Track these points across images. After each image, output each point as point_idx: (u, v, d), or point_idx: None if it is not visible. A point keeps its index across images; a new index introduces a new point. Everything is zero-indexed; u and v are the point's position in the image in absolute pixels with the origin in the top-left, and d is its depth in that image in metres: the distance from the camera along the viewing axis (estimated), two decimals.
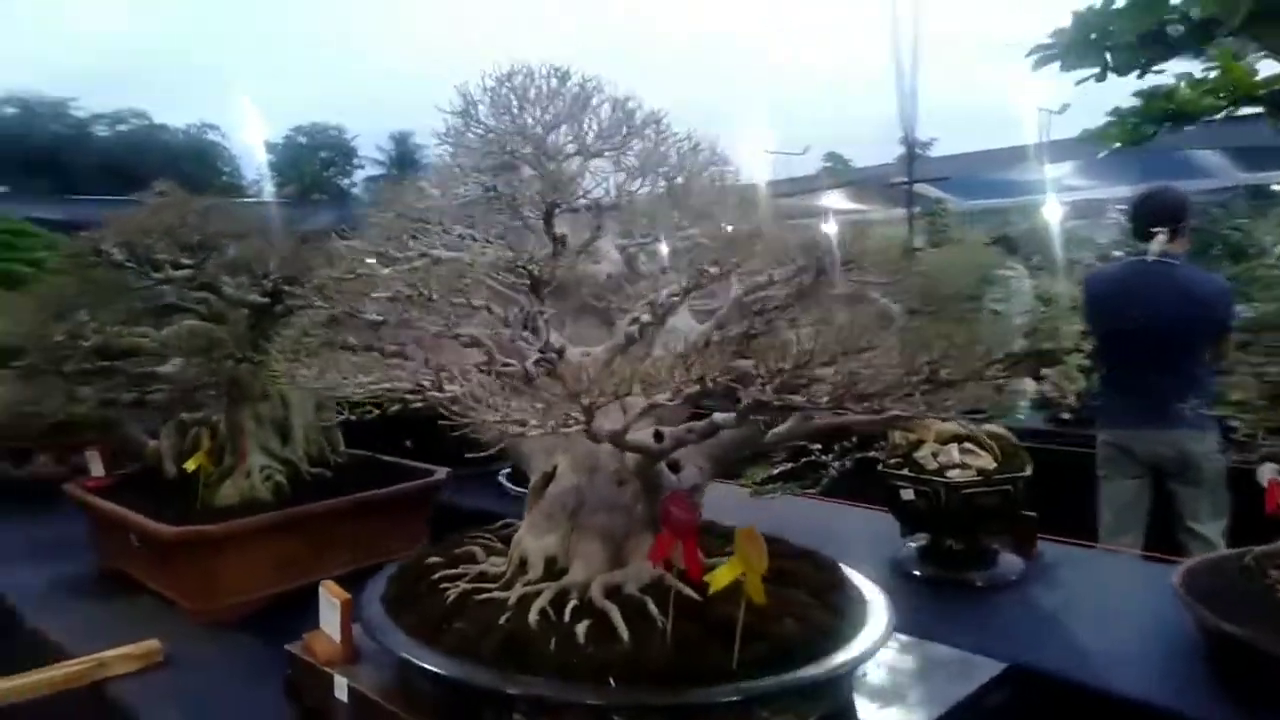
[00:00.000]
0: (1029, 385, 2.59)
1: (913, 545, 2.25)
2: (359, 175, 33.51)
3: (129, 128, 30.81)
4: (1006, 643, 1.76)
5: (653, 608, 1.24)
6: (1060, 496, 4.01)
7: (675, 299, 1.14)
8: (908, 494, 2.12)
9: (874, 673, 1.39)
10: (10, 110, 28.47)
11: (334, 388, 1.22)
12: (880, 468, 2.21)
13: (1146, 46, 1.36)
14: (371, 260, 1.27)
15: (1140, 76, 1.35)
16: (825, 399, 1.01)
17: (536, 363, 1.16)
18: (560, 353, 1.20)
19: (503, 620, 1.26)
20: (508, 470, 3.25)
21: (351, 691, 1.42)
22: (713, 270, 1.09)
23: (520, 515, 2.67)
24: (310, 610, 1.64)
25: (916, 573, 2.17)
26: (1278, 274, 5.07)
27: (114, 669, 1.83)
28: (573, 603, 1.28)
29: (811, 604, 1.31)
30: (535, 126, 1.31)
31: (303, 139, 32.79)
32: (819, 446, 2.44)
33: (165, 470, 2.48)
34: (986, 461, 2.10)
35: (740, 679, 1.14)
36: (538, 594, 1.30)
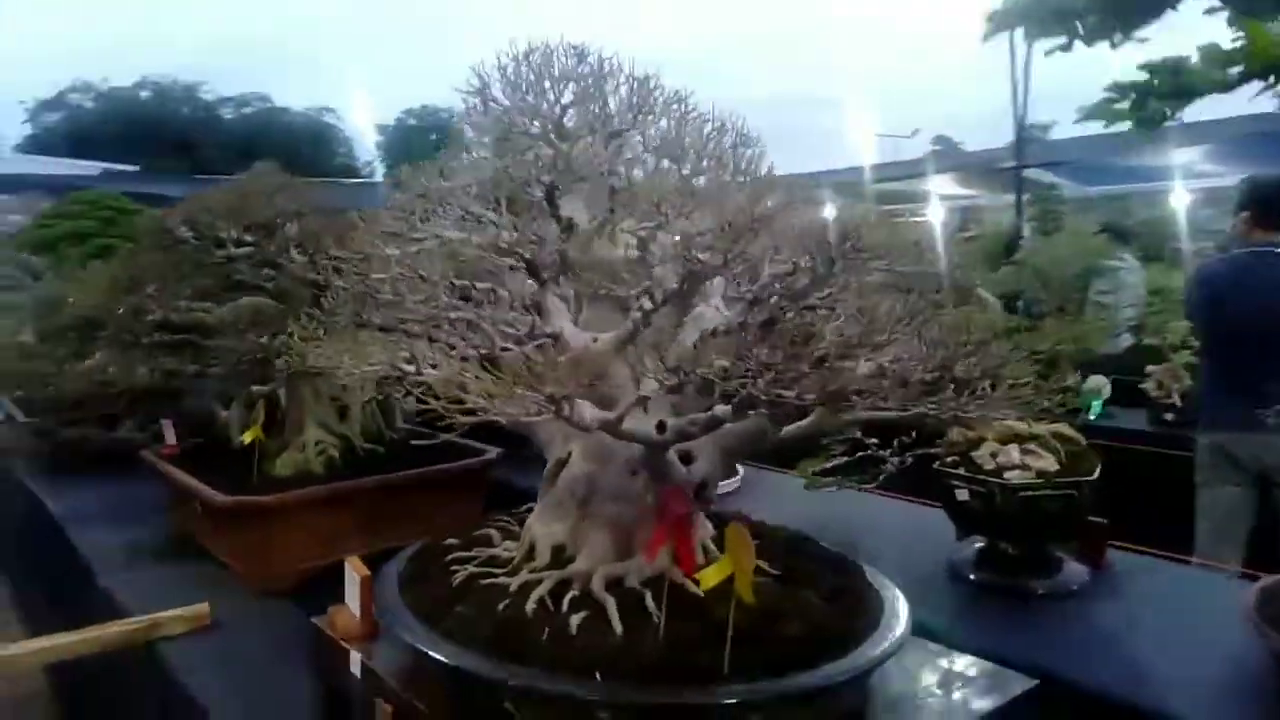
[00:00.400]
0: (1100, 383, 2.43)
1: (970, 548, 2.15)
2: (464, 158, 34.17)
3: (252, 110, 32.27)
4: (1054, 655, 1.66)
5: (650, 602, 1.21)
6: (1161, 503, 3.80)
7: (674, 288, 1.09)
8: (963, 494, 2.02)
9: (894, 680, 1.33)
10: (145, 94, 30.15)
11: (342, 368, 1.23)
12: (936, 466, 2.11)
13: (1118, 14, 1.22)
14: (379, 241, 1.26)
15: (1114, 47, 1.21)
16: (811, 396, 0.96)
17: (526, 343, 1.14)
18: (556, 338, 1.17)
19: (501, 606, 1.24)
20: None
21: (365, 668, 1.44)
22: (702, 258, 1.04)
23: None
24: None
25: (972, 577, 2.07)
26: None
27: (165, 629, 1.91)
28: (572, 593, 1.25)
29: (823, 607, 1.25)
30: (553, 106, 1.28)
31: (413, 121, 33.68)
32: (875, 440, 2.36)
33: (233, 441, 2.57)
34: (1049, 463, 1.97)
35: (731, 682, 1.09)
36: (539, 581, 1.28)
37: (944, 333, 1.09)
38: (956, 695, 1.30)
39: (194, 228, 2.11)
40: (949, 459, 2.09)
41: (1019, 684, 1.32)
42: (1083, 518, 1.99)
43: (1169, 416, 4.44)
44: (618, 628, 1.17)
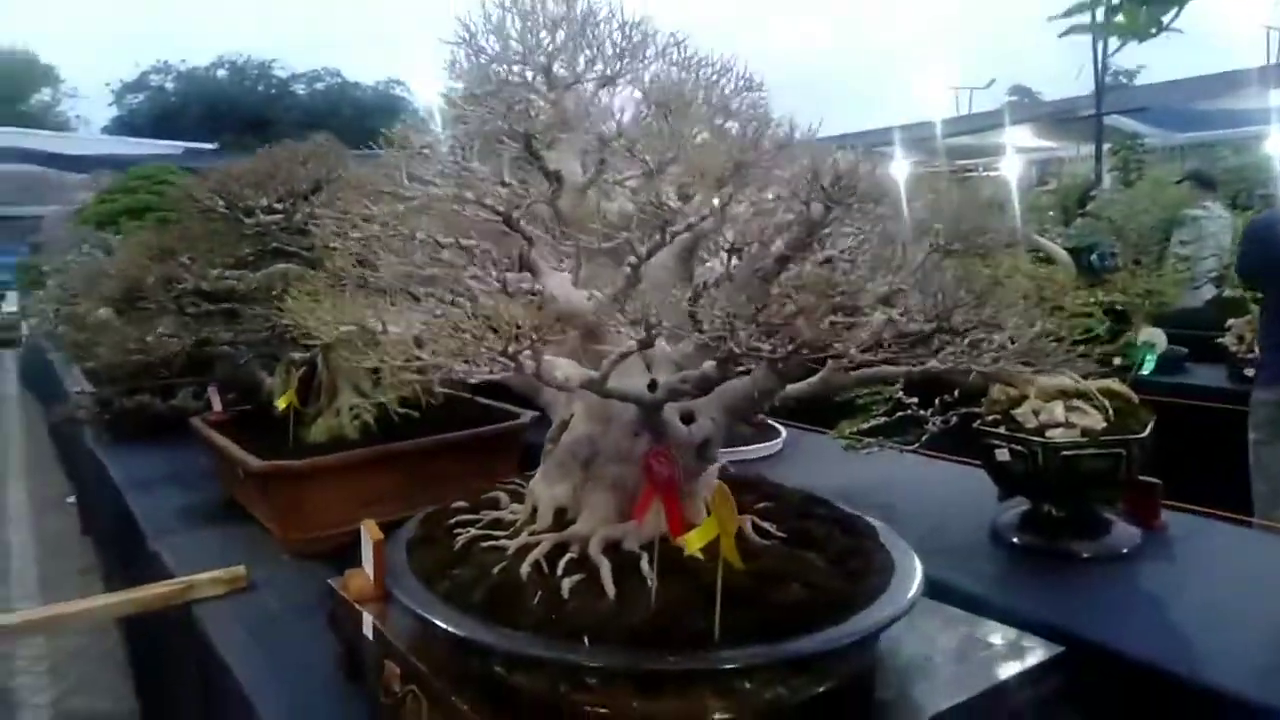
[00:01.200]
0: (1155, 336, 2.28)
1: (1013, 511, 2.06)
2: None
3: (324, 86, 32.81)
4: (1093, 622, 1.58)
5: (644, 565, 1.17)
6: (1233, 462, 3.61)
7: (657, 240, 1.04)
8: (1003, 454, 1.93)
9: (908, 645, 1.27)
10: (221, 73, 30.89)
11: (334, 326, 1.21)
12: (976, 425, 2.02)
13: None
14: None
15: None
16: (792, 348, 0.90)
17: (500, 300, 1.10)
18: (537, 294, 1.13)
19: (497, 569, 1.22)
20: None
21: (375, 630, 1.44)
22: (673, 205, 0.99)
23: None
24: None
25: (1015, 540, 1.98)
26: None
27: (201, 591, 1.95)
28: (569, 555, 1.23)
29: (828, 570, 1.20)
30: (539, 52, 1.23)
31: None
32: (916, 400, 2.27)
33: (275, 408, 2.61)
34: (1095, 420, 1.87)
35: (721, 648, 1.05)
36: (537, 544, 1.25)
37: (948, 282, 1.02)
38: (975, 662, 1.24)
39: (223, 197, 2.13)
40: (989, 418, 2.00)
41: (1042, 651, 1.25)
42: (1132, 477, 1.88)
43: (1249, 372, 4.20)
44: (610, 591, 1.14)
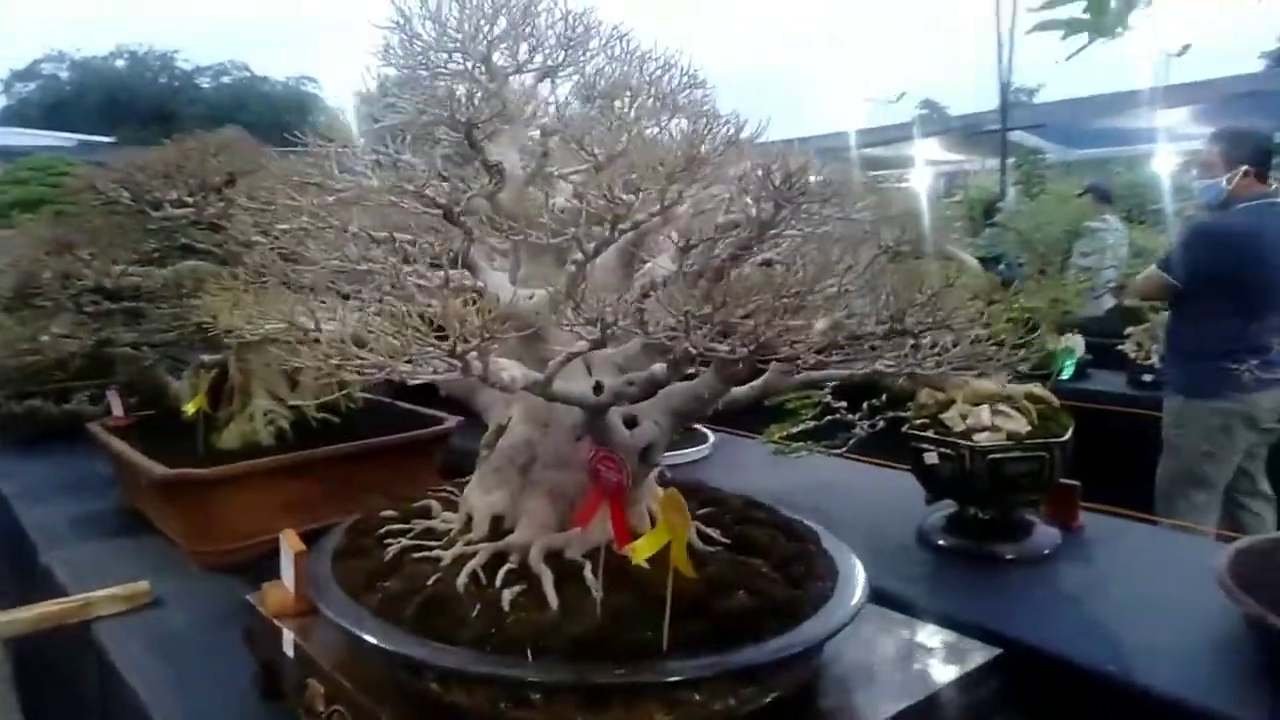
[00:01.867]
0: (1074, 343, 2.36)
1: (940, 514, 2.08)
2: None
3: (231, 79, 31.69)
4: (1022, 623, 1.60)
5: (588, 574, 1.13)
6: (1135, 464, 3.75)
7: (605, 237, 1.01)
8: (931, 457, 1.95)
9: (850, 651, 1.26)
10: (120, 63, 29.57)
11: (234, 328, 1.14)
12: (905, 429, 2.04)
13: None
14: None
15: None
16: (750, 349, 0.87)
17: (439, 298, 1.05)
18: (479, 292, 1.08)
19: (430, 581, 1.17)
20: None
21: (297, 648, 1.36)
22: (624, 198, 0.95)
23: None
24: None
25: (941, 543, 2.00)
26: None
27: (100, 609, 1.83)
28: (508, 565, 1.18)
29: (772, 577, 1.18)
30: (478, 40, 1.18)
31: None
32: (845, 404, 2.29)
33: (183, 413, 2.48)
34: (1019, 425, 1.91)
35: (669, 659, 1.02)
36: (474, 554, 1.20)
37: (897, 283, 1.01)
38: (916, 666, 1.23)
39: (129, 188, 2.00)
40: (918, 422, 2.02)
41: (981, 654, 1.25)
42: (1055, 480, 1.92)
43: (1147, 378, 4.39)
44: (553, 602, 1.10)
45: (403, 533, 1.34)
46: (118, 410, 2.53)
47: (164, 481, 2.01)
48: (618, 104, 1.17)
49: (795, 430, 2.29)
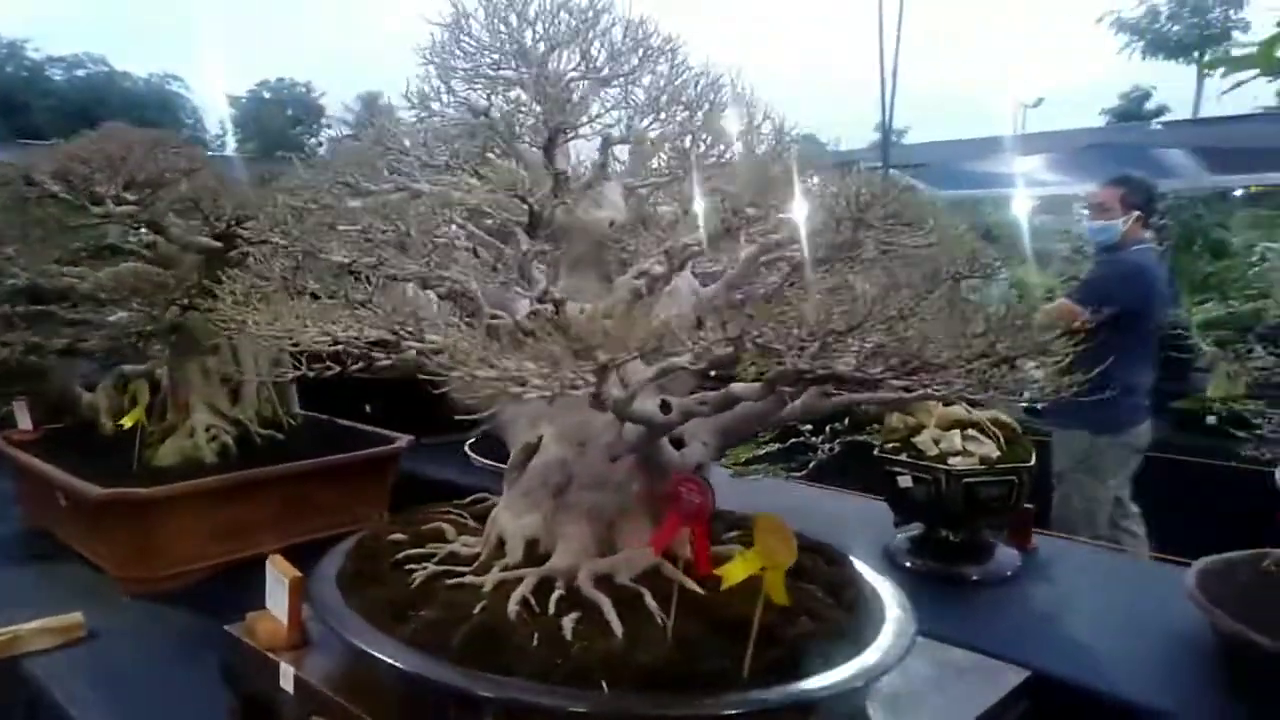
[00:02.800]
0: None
1: (904, 536, 2.13)
2: (326, 135, 32.78)
3: (87, 73, 29.76)
4: (1006, 644, 1.64)
5: (650, 601, 1.09)
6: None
7: (696, 248, 0.98)
8: (905, 481, 1.99)
9: (886, 678, 1.25)
10: None
11: (291, 336, 1.05)
12: (876, 452, 2.08)
13: None
14: (336, 192, 1.09)
15: None
16: (879, 370, 0.86)
17: (532, 314, 1.00)
18: (559, 305, 1.03)
19: (477, 609, 1.09)
20: (473, 440, 3.08)
21: (298, 682, 1.25)
22: (751, 213, 0.93)
23: (489, 488, 2.50)
24: (257, 586, 1.48)
25: (908, 565, 2.04)
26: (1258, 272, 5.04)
27: (31, 644, 1.64)
28: (558, 592, 1.12)
29: (828, 601, 1.17)
30: (537, 44, 1.13)
31: (267, 94, 31.94)
32: (809, 428, 2.31)
33: (101, 425, 2.28)
34: (990, 449, 1.97)
35: (750, 686, 0.99)
36: (518, 580, 1.14)
37: (968, 313, 1.02)
38: (956, 689, 1.24)
39: (66, 181, 1.83)
40: (889, 445, 2.06)
41: (1014, 675, 1.27)
42: (1021, 503, 1.99)
43: (1040, 406, 4.63)
44: (617, 629, 1.05)
45: (421, 558, 1.26)
46: (25, 423, 2.30)
47: (99, 502, 1.83)
48: (681, 116, 1.14)
49: (761, 453, 2.29)
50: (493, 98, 1.09)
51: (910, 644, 1.10)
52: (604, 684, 0.98)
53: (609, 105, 1.15)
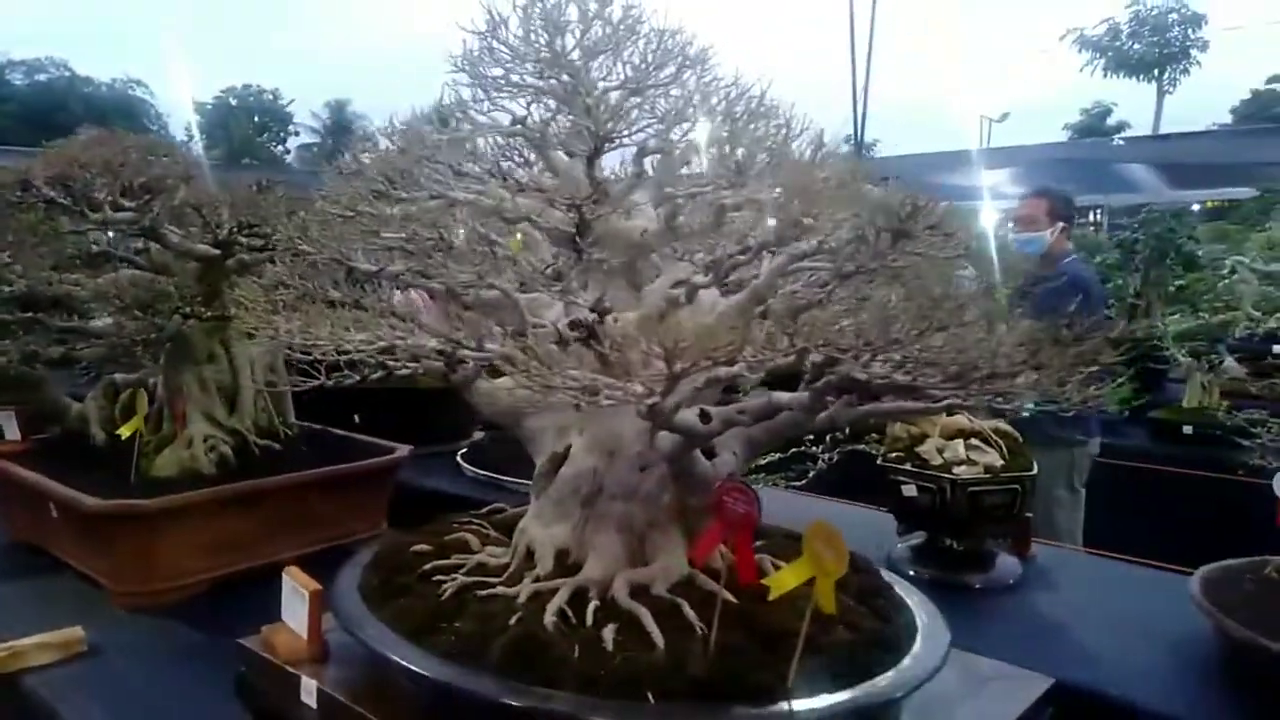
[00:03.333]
0: None
1: (905, 545, 2.14)
2: (293, 142, 32.52)
3: (48, 78, 29.30)
4: (1020, 652, 1.65)
5: (689, 611, 1.08)
6: None
7: (743, 259, 0.98)
8: (909, 490, 2.00)
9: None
10: None
11: (324, 346, 1.03)
12: (880, 461, 2.09)
13: None
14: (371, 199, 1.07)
15: None
16: (938, 379, 0.87)
17: (572, 324, 0.99)
18: (604, 314, 1.03)
19: (513, 620, 1.08)
20: (465, 449, 3.06)
21: (321, 695, 1.23)
22: (807, 223, 0.93)
23: (484, 499, 2.48)
24: (258, 597, 1.46)
25: (911, 573, 2.05)
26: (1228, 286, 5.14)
27: (31, 659, 1.60)
28: (594, 603, 1.11)
29: (860, 610, 1.17)
30: (572, 52, 1.13)
31: (233, 100, 31.61)
32: (810, 437, 2.32)
33: (92, 435, 2.23)
34: (993, 458, 1.99)
35: (795, 695, 0.99)
36: (552, 591, 1.13)
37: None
38: (985, 696, 1.25)
39: (65, 186, 1.79)
40: (893, 455, 2.07)
41: (1040, 683, 1.28)
42: (1024, 512, 2.01)
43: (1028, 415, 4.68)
44: (659, 641, 1.04)
45: (450, 569, 1.24)
46: (13, 434, 2.24)
47: (97, 514, 1.79)
48: (715, 125, 1.14)
49: (759, 463, 2.30)
50: (533, 107, 1.08)
51: (946, 652, 1.11)
52: (650, 696, 0.97)
53: (645, 114, 1.15)
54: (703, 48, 1.20)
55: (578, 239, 1.03)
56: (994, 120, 21.99)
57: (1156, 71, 24.50)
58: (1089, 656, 1.66)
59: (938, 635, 1.15)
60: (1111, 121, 27.58)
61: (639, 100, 1.15)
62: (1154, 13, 24.34)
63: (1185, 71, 24.91)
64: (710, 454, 1.21)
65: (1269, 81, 22.93)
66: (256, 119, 31.87)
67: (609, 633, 1.05)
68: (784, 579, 0.99)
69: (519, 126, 1.09)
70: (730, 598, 1.10)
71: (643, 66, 1.14)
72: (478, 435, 3.31)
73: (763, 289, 1.20)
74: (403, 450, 2.28)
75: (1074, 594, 2.00)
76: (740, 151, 1.06)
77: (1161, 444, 4.26)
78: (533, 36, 1.12)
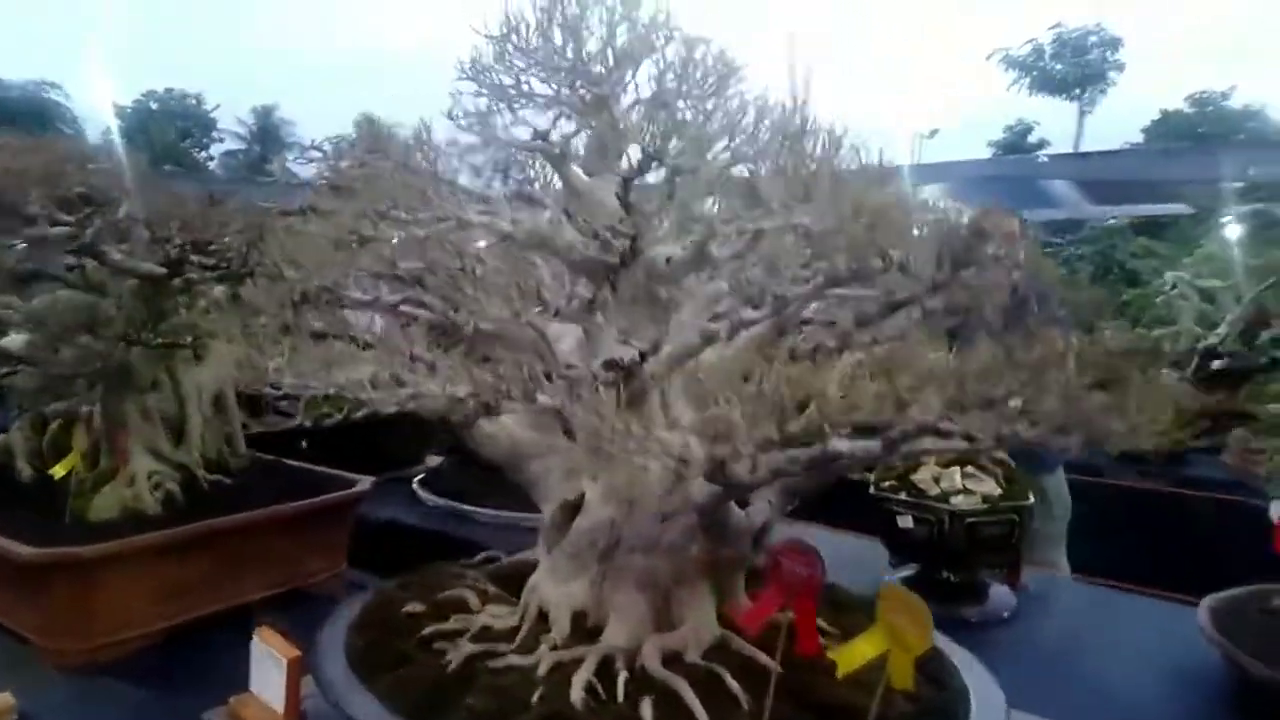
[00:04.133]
0: None
1: (898, 576, 2.06)
2: (217, 149, 31.56)
3: None
4: (1031, 692, 1.59)
5: (730, 681, 0.97)
6: None
7: (800, 290, 0.88)
8: (905, 521, 1.93)
9: None
10: None
11: (315, 389, 0.90)
12: (872, 490, 2.01)
13: None
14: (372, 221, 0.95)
15: None
16: (1024, 430, 0.78)
17: (607, 365, 0.88)
18: (644, 356, 0.92)
19: (535, 698, 0.96)
20: (421, 475, 2.90)
21: None
22: (877, 261, 0.84)
23: (447, 531, 2.33)
24: (206, 651, 1.30)
25: None
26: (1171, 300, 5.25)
27: None
28: (622, 673, 1.00)
29: (915, 676, 1.08)
30: (593, 63, 1.02)
31: (154, 105, 30.54)
32: None
33: (18, 472, 2.03)
34: (991, 487, 1.92)
35: None
36: (576, 661, 1.01)
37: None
38: None
39: None
40: (885, 484, 1.99)
41: None
42: (1021, 543, 1.95)
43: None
44: (703, 718, 0.93)
45: (451, 634, 1.11)
46: None
47: (33, 563, 1.60)
48: (748, 148, 1.04)
49: None
50: (559, 120, 0.97)
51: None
52: None
53: (682, 130, 1.04)
54: (731, 62, 1.10)
55: (618, 270, 0.91)
56: (924, 136, 22.49)
57: (1077, 91, 25.39)
58: (1101, 696, 1.61)
59: (992, 700, 1.06)
60: (1033, 139, 28.41)
61: (673, 114, 1.04)
62: (1075, 35, 25.23)
63: (1103, 92, 25.88)
64: (744, 502, 1.11)
65: (1193, 105, 23.96)
66: (179, 124, 30.80)
67: (647, 710, 0.93)
68: (854, 655, 0.89)
69: (539, 142, 0.97)
70: (775, 665, 1.00)
71: (677, 79, 1.04)
72: (433, 460, 3.15)
73: (787, 322, 1.10)
74: (365, 483, 2.12)
75: (1072, 624, 1.95)
76: (803, 173, 0.96)
77: (1118, 463, 4.29)
78: (552, 41, 1.01)
